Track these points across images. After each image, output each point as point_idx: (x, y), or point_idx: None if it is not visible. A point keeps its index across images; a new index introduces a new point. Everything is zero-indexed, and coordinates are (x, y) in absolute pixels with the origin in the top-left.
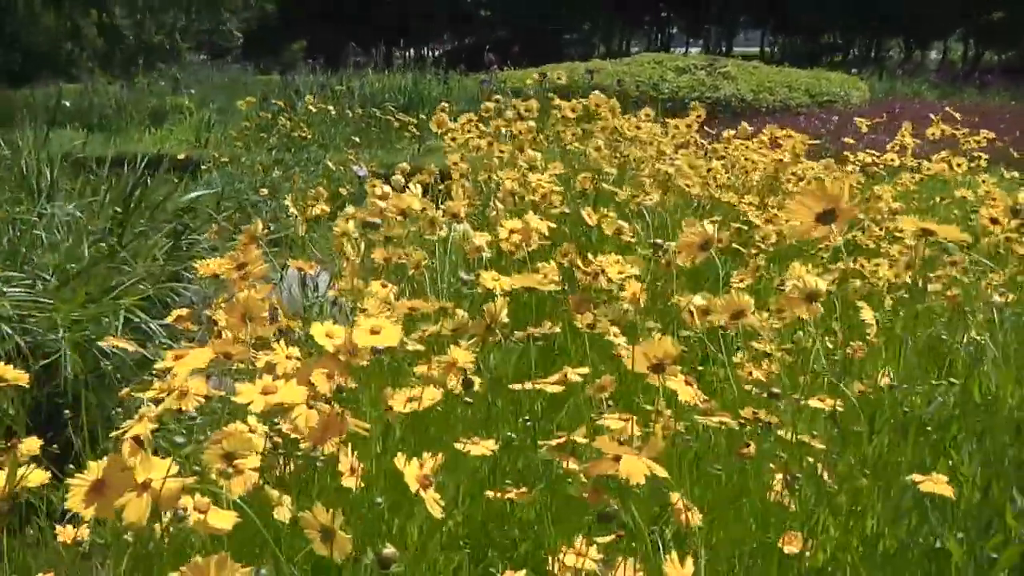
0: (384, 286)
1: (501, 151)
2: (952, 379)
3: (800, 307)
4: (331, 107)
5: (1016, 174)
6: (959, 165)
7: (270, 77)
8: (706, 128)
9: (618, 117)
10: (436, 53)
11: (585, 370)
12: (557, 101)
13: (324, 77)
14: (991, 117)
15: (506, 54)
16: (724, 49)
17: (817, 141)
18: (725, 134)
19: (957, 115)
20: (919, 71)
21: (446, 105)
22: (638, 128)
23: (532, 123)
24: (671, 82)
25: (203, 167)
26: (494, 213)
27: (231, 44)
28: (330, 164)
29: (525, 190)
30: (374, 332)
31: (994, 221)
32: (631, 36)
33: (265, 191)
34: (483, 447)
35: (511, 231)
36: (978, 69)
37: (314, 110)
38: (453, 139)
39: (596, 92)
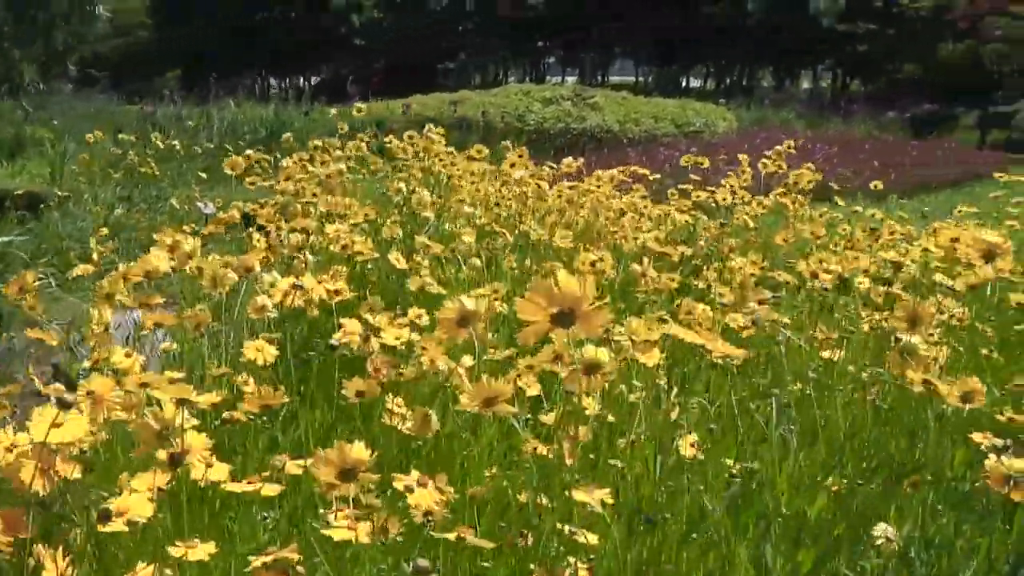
0: (129, 355)
1: (314, 194)
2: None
3: (580, 379)
4: (176, 143)
5: (859, 206)
6: (797, 203)
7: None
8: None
9: (442, 157)
10: (312, 82)
11: None
12: (391, 139)
13: (187, 108)
14: (850, 146)
15: (380, 83)
16: (600, 79)
17: (657, 176)
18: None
19: (817, 146)
20: (787, 101)
21: (289, 136)
22: (452, 165)
23: (342, 166)
24: (537, 113)
25: (46, 205)
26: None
27: (100, 73)
28: (175, 202)
29: (324, 238)
30: (56, 425)
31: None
32: (508, 66)
33: (105, 230)
34: None
35: (286, 290)
36: (844, 99)
37: (161, 146)
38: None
39: (429, 126)
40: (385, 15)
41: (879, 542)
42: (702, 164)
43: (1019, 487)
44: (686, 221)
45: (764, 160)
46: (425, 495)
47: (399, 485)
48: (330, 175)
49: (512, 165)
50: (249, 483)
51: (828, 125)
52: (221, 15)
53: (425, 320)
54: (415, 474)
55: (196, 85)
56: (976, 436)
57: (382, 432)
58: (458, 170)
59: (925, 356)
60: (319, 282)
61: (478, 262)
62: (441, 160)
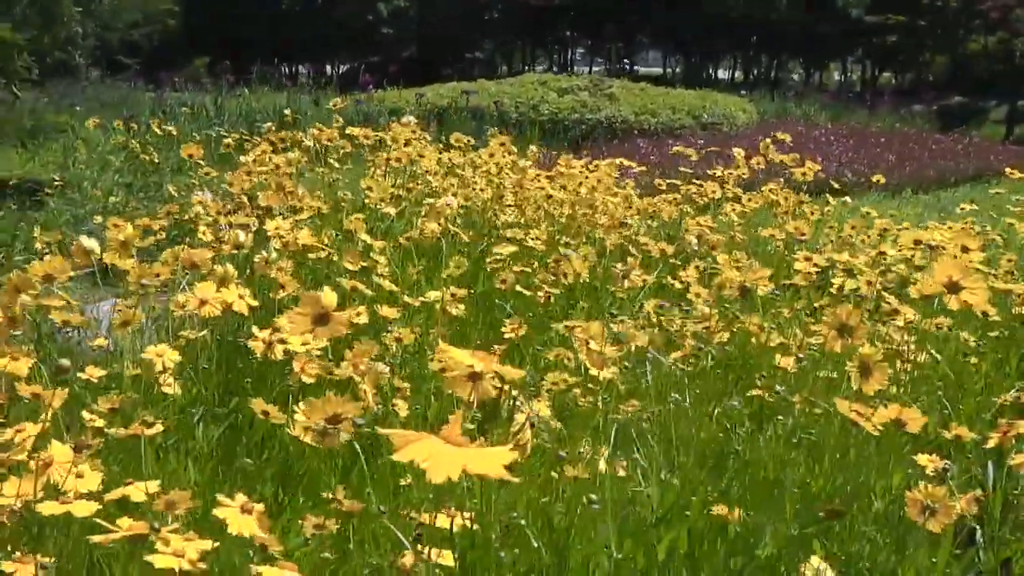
0: None
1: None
2: None
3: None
4: (173, 129)
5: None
6: (786, 198)
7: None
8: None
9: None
10: (340, 71)
11: None
12: (358, 130)
13: (202, 96)
14: (868, 140)
15: (398, 72)
16: (628, 69)
17: (643, 168)
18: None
19: (833, 138)
20: (813, 93)
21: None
22: (420, 156)
23: (293, 155)
24: (552, 103)
25: (44, 192)
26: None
27: (131, 60)
28: (171, 189)
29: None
30: None
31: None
32: (535, 56)
33: (99, 219)
34: None
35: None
36: (870, 91)
37: (159, 132)
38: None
39: (407, 118)
40: (411, 4)
41: None
42: (690, 156)
43: (937, 517)
44: (670, 217)
45: (760, 154)
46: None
47: None
48: (278, 166)
49: (491, 155)
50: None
51: (852, 117)
52: (249, 2)
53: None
54: None
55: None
56: (922, 458)
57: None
58: (426, 161)
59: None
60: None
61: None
62: (406, 150)
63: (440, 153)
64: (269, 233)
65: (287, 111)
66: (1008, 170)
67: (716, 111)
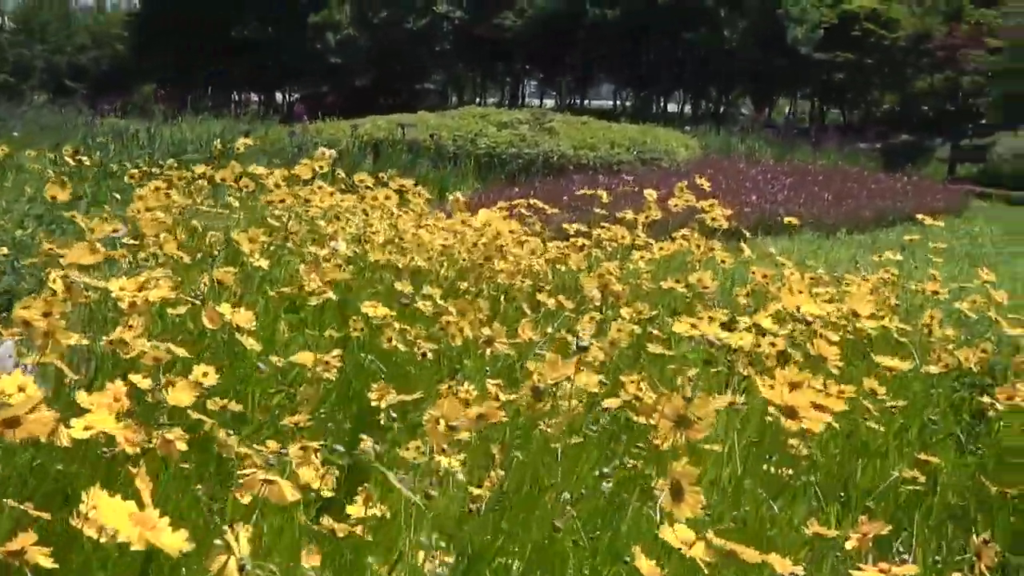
0: None
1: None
2: None
3: None
4: (87, 159)
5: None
6: (697, 245)
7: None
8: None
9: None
10: (291, 99)
11: None
12: (261, 169)
13: (148, 122)
14: (807, 178)
15: (335, 103)
16: (579, 102)
17: (556, 211)
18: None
19: (769, 176)
20: (759, 128)
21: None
22: (307, 201)
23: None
24: (490, 137)
25: None
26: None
27: (78, 85)
28: (80, 222)
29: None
30: None
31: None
32: (486, 89)
33: (5, 250)
34: None
35: None
36: (815, 127)
37: (72, 163)
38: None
39: (322, 150)
40: (360, 33)
41: None
42: (600, 197)
43: None
44: (578, 266)
45: (674, 197)
46: None
47: None
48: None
49: (387, 197)
50: None
51: (796, 154)
52: (196, 31)
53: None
54: None
55: (161, 100)
56: (775, 560)
57: None
58: (318, 200)
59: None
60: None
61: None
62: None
63: (344, 193)
64: (113, 293)
65: (217, 142)
66: (920, 216)
67: (657, 146)
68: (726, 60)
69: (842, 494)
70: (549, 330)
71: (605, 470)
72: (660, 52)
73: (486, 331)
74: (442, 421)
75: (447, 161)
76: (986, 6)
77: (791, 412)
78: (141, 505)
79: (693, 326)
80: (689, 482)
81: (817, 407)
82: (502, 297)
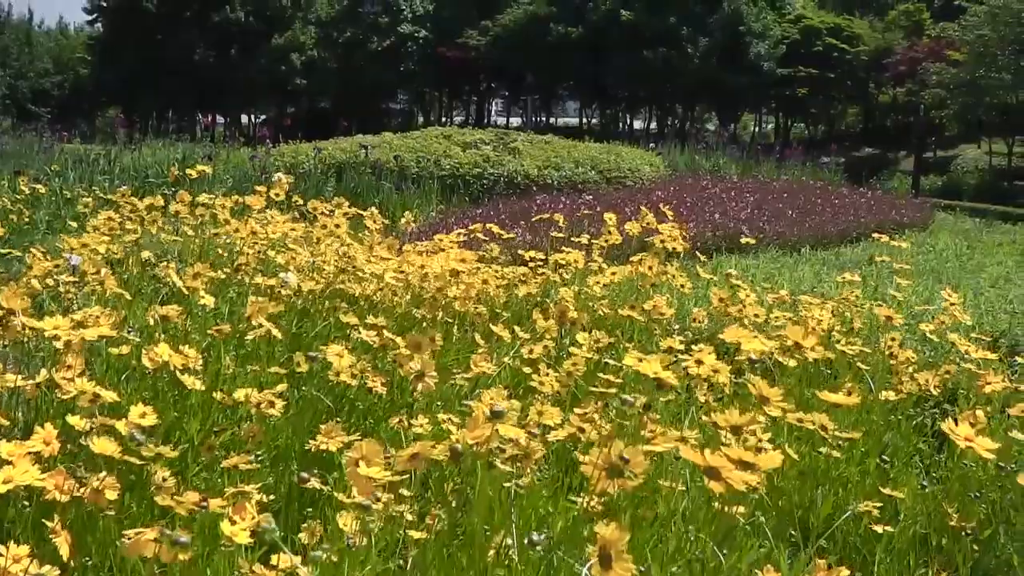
0: None
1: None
2: None
3: None
4: (41, 187)
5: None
6: (650, 268)
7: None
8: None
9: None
10: (256, 121)
11: None
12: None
13: (111, 147)
14: (771, 194)
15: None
16: (544, 121)
17: (512, 235)
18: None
19: (732, 193)
20: (724, 145)
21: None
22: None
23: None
24: (454, 158)
25: None
26: None
27: (41, 110)
28: (36, 252)
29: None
30: None
31: None
32: (452, 108)
33: None
34: None
35: None
36: (779, 142)
37: (27, 190)
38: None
39: (278, 175)
40: (328, 55)
41: None
42: (557, 221)
43: None
44: (529, 294)
45: (632, 221)
46: None
47: None
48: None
49: (336, 225)
50: None
51: (761, 170)
52: (158, 54)
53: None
54: None
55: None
56: None
57: None
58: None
59: None
60: None
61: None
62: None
63: (298, 220)
64: (47, 333)
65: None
66: (876, 234)
67: (621, 164)
68: (689, 77)
69: (793, 533)
70: (506, 359)
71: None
72: (623, 70)
73: (414, 365)
74: (362, 464)
75: (411, 183)
76: (946, 19)
77: (714, 473)
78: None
79: (640, 360)
80: (618, 549)
81: (743, 464)
82: (454, 328)
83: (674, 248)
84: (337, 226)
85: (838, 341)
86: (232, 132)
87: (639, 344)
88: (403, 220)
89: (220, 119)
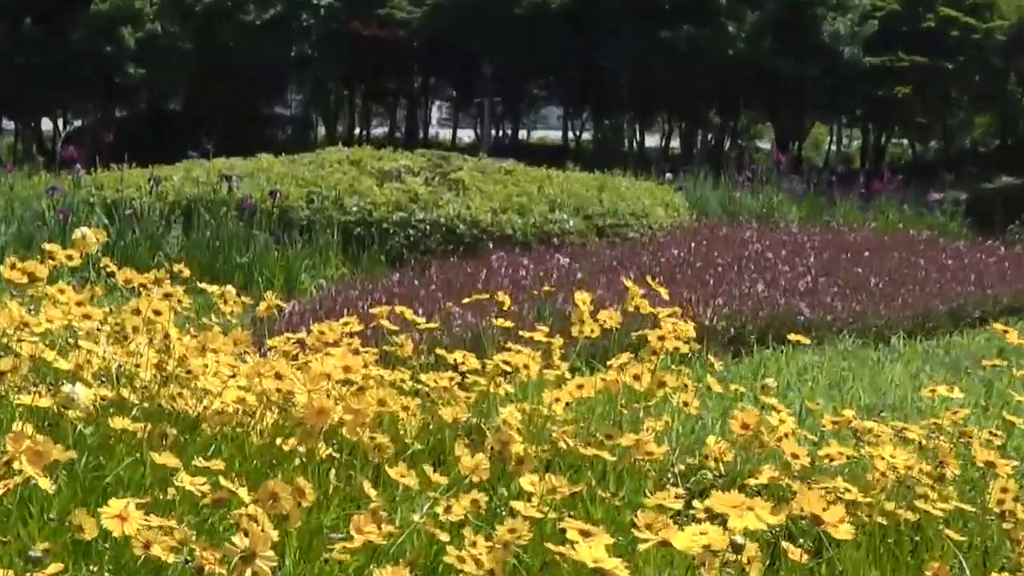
0: None
1: None
2: None
3: None
4: None
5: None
6: (636, 378)
7: None
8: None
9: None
10: (70, 128)
11: None
12: None
13: None
14: (846, 250)
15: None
16: (508, 135)
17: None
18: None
19: (788, 250)
20: (775, 174)
21: None
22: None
23: None
24: (365, 195)
25: None
26: None
27: None
28: None
29: None
30: None
31: None
32: (370, 114)
33: None
34: None
35: None
36: (866, 169)
37: None
38: None
39: (81, 230)
40: (180, 31)
41: None
42: (504, 305)
43: None
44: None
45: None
46: None
47: None
48: None
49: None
50: None
51: (835, 212)
52: None
53: None
54: None
55: None
56: None
57: None
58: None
59: None
60: None
61: None
62: None
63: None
64: None
65: None
66: (998, 325)
67: (620, 206)
68: (730, 69)
69: None
70: (416, 517)
71: None
72: (628, 59)
73: (241, 541)
74: None
75: (298, 233)
76: None
77: None
78: None
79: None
80: None
81: None
82: (331, 473)
83: (677, 348)
84: (157, 312)
85: (922, 496)
86: (28, 147)
87: (614, 495)
88: (262, 306)
89: (8, 124)
